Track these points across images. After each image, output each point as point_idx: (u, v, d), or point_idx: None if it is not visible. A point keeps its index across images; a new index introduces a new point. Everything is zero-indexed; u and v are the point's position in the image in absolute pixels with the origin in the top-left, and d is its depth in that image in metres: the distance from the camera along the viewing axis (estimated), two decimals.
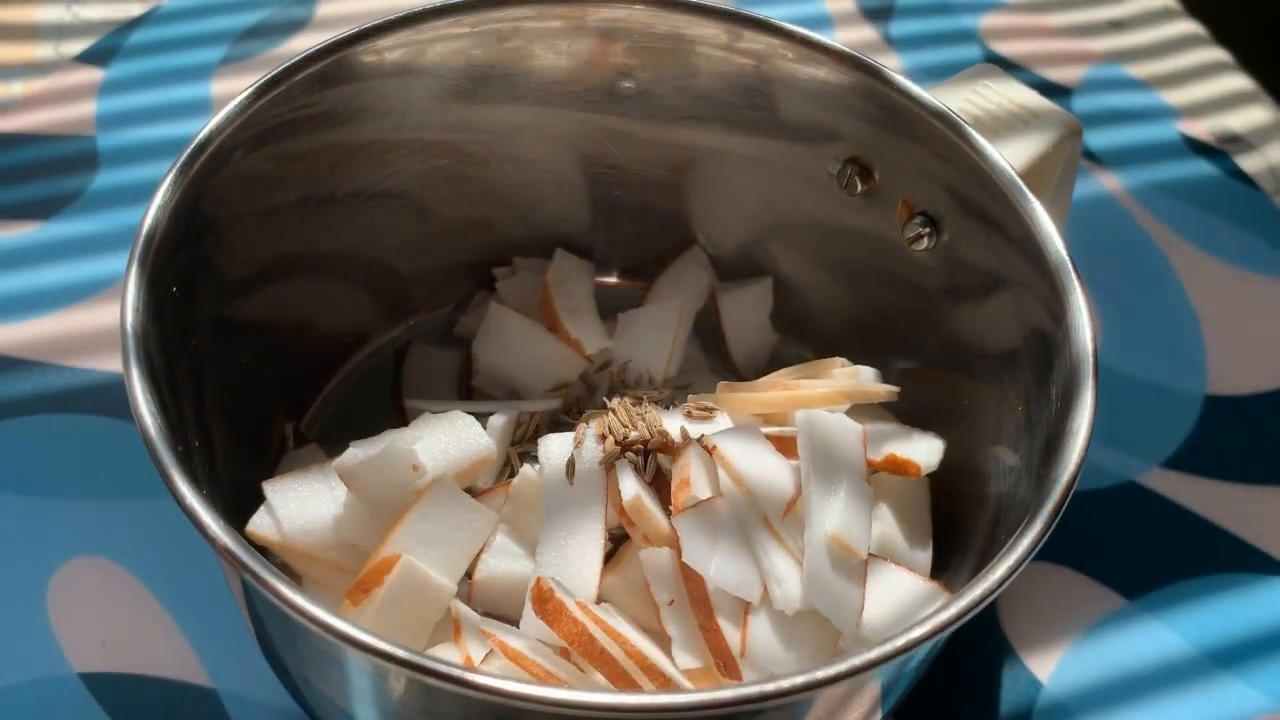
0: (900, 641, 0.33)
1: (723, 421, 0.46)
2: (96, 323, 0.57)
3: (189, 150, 0.41)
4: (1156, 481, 0.54)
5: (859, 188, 0.48)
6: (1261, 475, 0.54)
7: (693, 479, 0.42)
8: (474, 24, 0.47)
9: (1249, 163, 0.67)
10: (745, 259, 0.54)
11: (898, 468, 0.45)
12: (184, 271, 0.41)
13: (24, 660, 0.47)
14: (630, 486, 0.42)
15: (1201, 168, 0.66)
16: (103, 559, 0.49)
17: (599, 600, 0.42)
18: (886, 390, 0.47)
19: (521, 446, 0.48)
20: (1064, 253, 0.41)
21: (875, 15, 0.75)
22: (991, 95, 0.49)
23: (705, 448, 0.43)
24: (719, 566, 0.40)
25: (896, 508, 0.45)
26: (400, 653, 0.31)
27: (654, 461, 0.44)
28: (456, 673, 0.31)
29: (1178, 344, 0.59)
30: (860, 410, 0.47)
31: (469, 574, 0.43)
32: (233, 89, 0.49)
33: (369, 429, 0.44)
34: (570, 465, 0.43)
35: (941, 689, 0.47)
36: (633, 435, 0.44)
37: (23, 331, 0.56)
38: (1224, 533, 0.52)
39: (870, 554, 0.42)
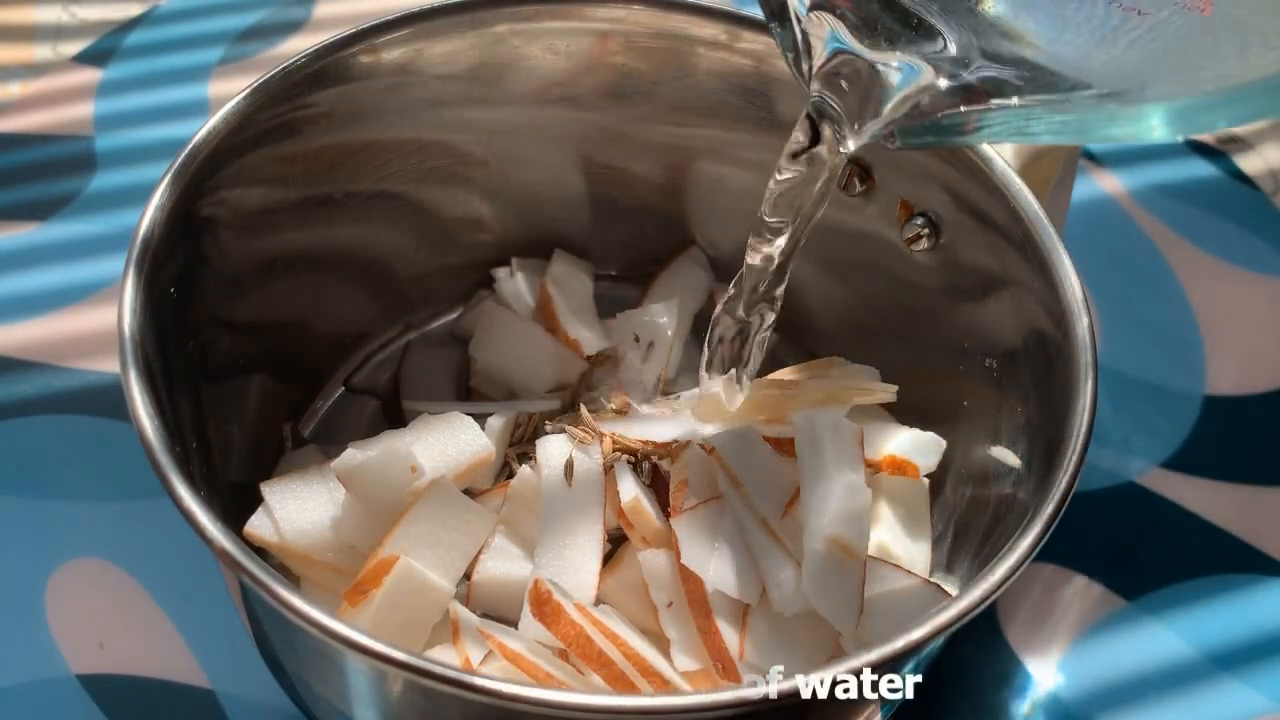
0: (899, 643, 0.33)
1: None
2: (94, 324, 0.56)
3: (186, 151, 0.41)
4: (1156, 481, 0.54)
5: (858, 188, 0.48)
6: (1261, 475, 0.54)
7: (691, 481, 0.42)
8: (472, 24, 0.47)
9: (1248, 163, 0.67)
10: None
11: (897, 468, 0.45)
12: (182, 273, 0.41)
13: (22, 661, 0.47)
14: (629, 488, 0.42)
15: (1201, 168, 0.66)
16: (101, 560, 0.49)
17: (597, 602, 0.42)
18: (885, 390, 0.47)
19: (520, 447, 0.48)
20: (1064, 253, 0.41)
21: None
22: None
23: (704, 449, 0.43)
24: (717, 568, 0.40)
25: (896, 508, 0.45)
26: (398, 655, 0.31)
27: (649, 464, 0.44)
28: (454, 675, 0.31)
29: (1177, 344, 0.58)
30: (859, 410, 0.47)
31: (467, 575, 0.43)
32: (230, 90, 0.49)
33: (367, 430, 0.44)
34: (569, 467, 0.43)
35: (941, 690, 0.47)
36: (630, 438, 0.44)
37: (20, 332, 0.56)
38: (1224, 533, 0.52)
39: (869, 555, 0.42)
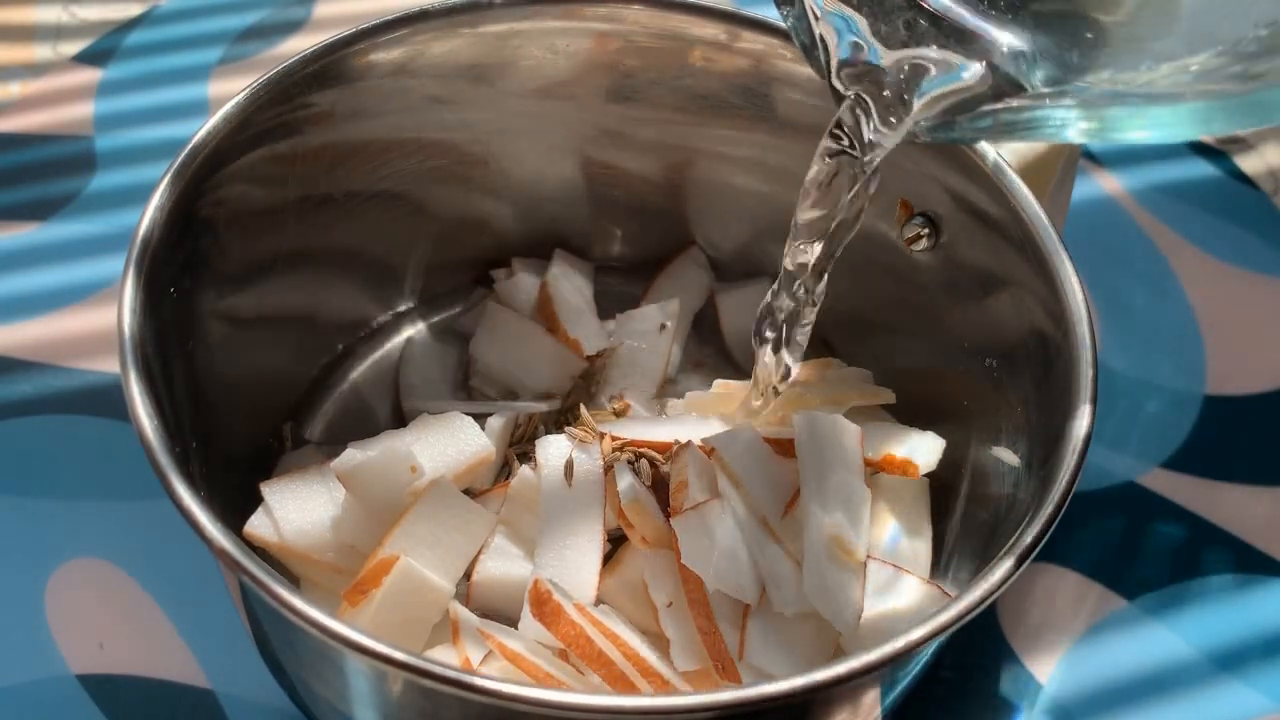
0: (900, 643, 0.33)
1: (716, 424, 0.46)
2: (94, 324, 0.56)
3: (186, 151, 0.41)
4: (1156, 481, 0.54)
5: None
6: (1261, 475, 0.54)
7: (691, 481, 0.42)
8: (472, 24, 0.47)
9: (1249, 163, 0.67)
10: (743, 259, 0.54)
11: (896, 467, 0.45)
12: (181, 273, 0.41)
13: (21, 661, 0.47)
14: (629, 488, 0.42)
15: (1201, 168, 0.66)
16: (101, 560, 0.49)
17: (597, 602, 0.42)
18: (884, 392, 0.47)
19: (520, 447, 0.48)
20: (1064, 253, 0.41)
21: None
22: None
23: (704, 449, 0.43)
24: (718, 568, 0.40)
25: (896, 508, 0.45)
26: (398, 655, 0.31)
27: (649, 464, 0.44)
28: (455, 675, 0.31)
29: (1178, 344, 0.58)
30: (859, 410, 0.47)
31: (467, 575, 0.43)
32: (230, 90, 0.49)
33: (367, 430, 0.44)
34: (569, 466, 0.43)
35: (941, 690, 0.47)
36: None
37: (20, 332, 0.56)
38: (1224, 533, 0.52)
39: (869, 555, 0.42)
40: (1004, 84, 0.34)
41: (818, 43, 0.38)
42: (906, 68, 0.36)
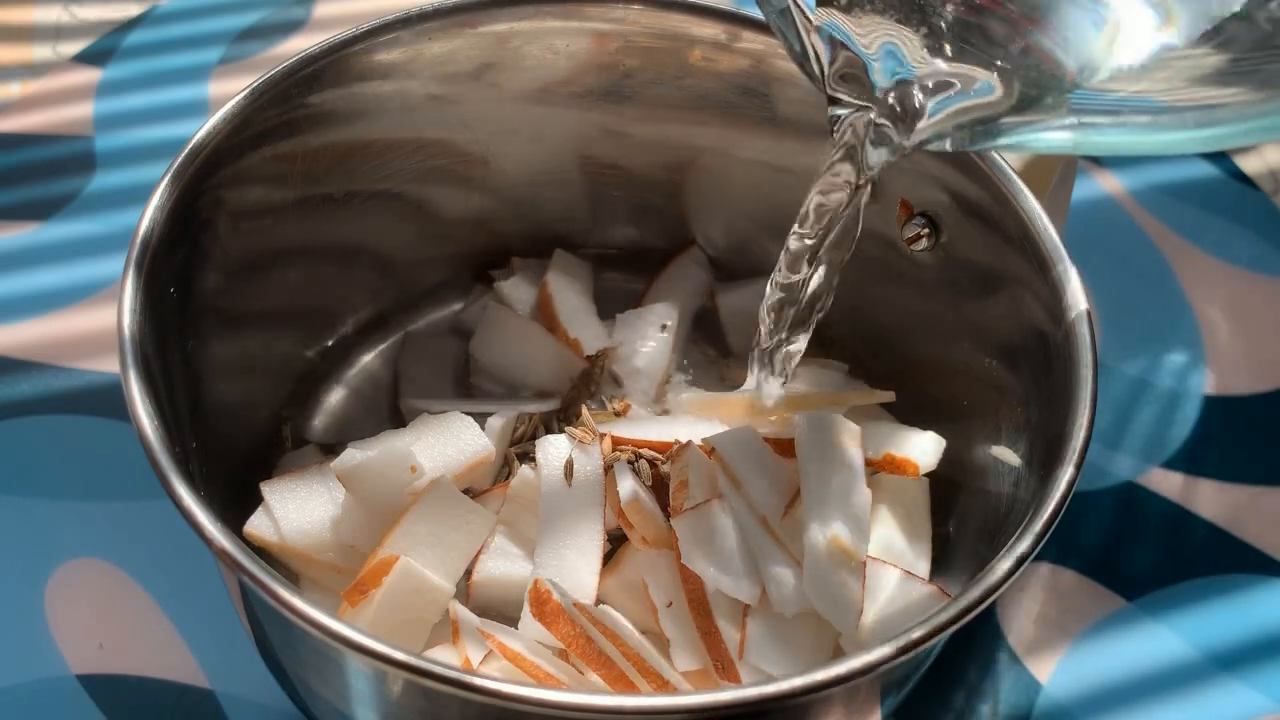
0: (899, 643, 0.33)
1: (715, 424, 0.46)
2: (94, 324, 0.56)
3: (186, 152, 0.41)
4: (1156, 481, 0.54)
5: None
6: (1261, 475, 0.54)
7: (691, 481, 0.42)
8: (472, 24, 0.47)
9: (1249, 163, 0.67)
10: (743, 258, 0.54)
11: (896, 467, 0.45)
12: (181, 273, 0.41)
13: (21, 661, 0.47)
14: (629, 488, 0.42)
15: (1201, 168, 0.66)
16: (100, 560, 0.49)
17: (597, 602, 0.42)
18: (884, 394, 0.47)
19: (520, 447, 0.48)
20: (1063, 253, 0.41)
21: None
22: None
23: (704, 449, 0.43)
24: (718, 568, 0.40)
25: (896, 508, 0.45)
26: (398, 655, 0.31)
27: (649, 464, 0.44)
28: (455, 675, 0.31)
29: (1178, 344, 0.58)
30: (860, 410, 0.47)
31: (467, 575, 0.43)
32: (230, 90, 0.49)
33: (367, 430, 0.44)
34: (569, 466, 0.43)
35: (941, 690, 0.47)
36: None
37: (20, 333, 0.56)
38: (1224, 533, 0.52)
39: (869, 555, 0.42)
40: (1028, 92, 0.34)
41: (810, 54, 0.37)
42: (901, 86, 0.35)
